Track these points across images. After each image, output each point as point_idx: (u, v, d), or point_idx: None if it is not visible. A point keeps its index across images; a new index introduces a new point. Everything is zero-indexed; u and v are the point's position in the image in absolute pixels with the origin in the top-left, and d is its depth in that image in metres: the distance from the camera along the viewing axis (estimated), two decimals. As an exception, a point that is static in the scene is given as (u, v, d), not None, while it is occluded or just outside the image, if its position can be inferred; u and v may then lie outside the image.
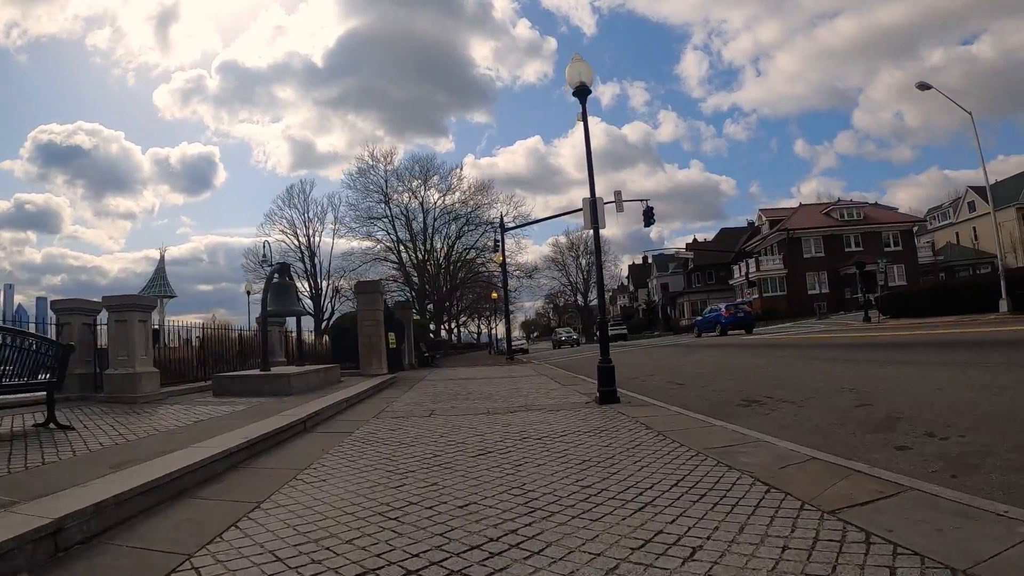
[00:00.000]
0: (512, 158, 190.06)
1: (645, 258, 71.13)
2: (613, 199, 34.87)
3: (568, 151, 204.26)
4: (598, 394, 11.01)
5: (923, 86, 36.15)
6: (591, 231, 12.22)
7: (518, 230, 63.70)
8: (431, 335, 53.45)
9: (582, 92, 11.94)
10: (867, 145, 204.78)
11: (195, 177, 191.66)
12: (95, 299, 14.11)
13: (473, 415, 10.20)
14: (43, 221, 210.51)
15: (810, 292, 72.30)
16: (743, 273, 76.88)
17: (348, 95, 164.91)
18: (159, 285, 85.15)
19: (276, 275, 16.43)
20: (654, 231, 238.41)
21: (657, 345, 41.64)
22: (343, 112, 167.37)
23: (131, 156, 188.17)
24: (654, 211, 35.84)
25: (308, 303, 72.22)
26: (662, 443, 6.88)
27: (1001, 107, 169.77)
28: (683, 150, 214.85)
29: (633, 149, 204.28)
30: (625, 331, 74.60)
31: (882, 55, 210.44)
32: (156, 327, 19.10)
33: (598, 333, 13.96)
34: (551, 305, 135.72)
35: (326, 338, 30.93)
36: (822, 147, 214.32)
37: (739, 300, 73.78)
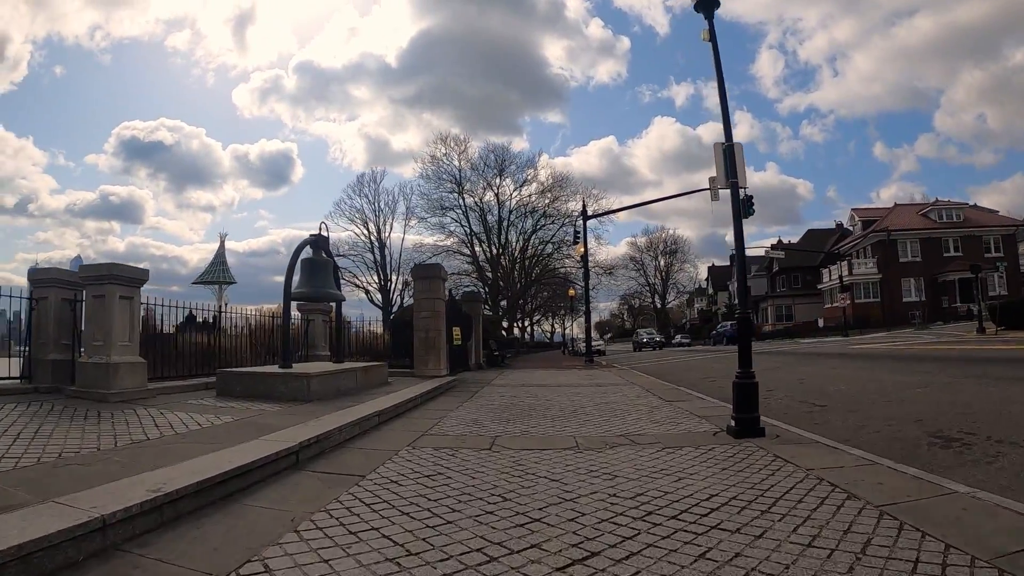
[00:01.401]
0: (586, 158, 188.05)
1: (732, 256, 66.40)
2: (708, 186, 31.23)
3: (642, 151, 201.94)
4: (733, 422, 7.76)
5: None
6: (728, 192, 8.88)
7: (599, 224, 60.28)
8: (503, 332, 50.36)
9: (707, 4, 8.80)
10: (948, 149, 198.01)
11: (273, 172, 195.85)
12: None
13: (554, 450, 6.94)
14: (127, 212, 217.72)
15: (905, 300, 66.65)
16: (834, 276, 71.12)
17: (423, 93, 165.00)
18: (218, 271, 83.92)
19: (310, 249, 13.27)
20: (728, 233, 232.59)
21: (756, 351, 36.92)
22: (418, 110, 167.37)
23: (212, 152, 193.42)
24: (751, 201, 31.96)
25: (377, 296, 70.68)
26: (900, 535, 3.83)
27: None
28: (759, 152, 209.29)
29: (708, 151, 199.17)
30: (688, 340, 69.68)
31: (962, 55, 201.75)
32: (190, 311, 16.28)
33: (730, 330, 10.47)
34: (626, 306, 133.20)
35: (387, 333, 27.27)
36: (901, 150, 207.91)
37: (828, 304, 70.34)
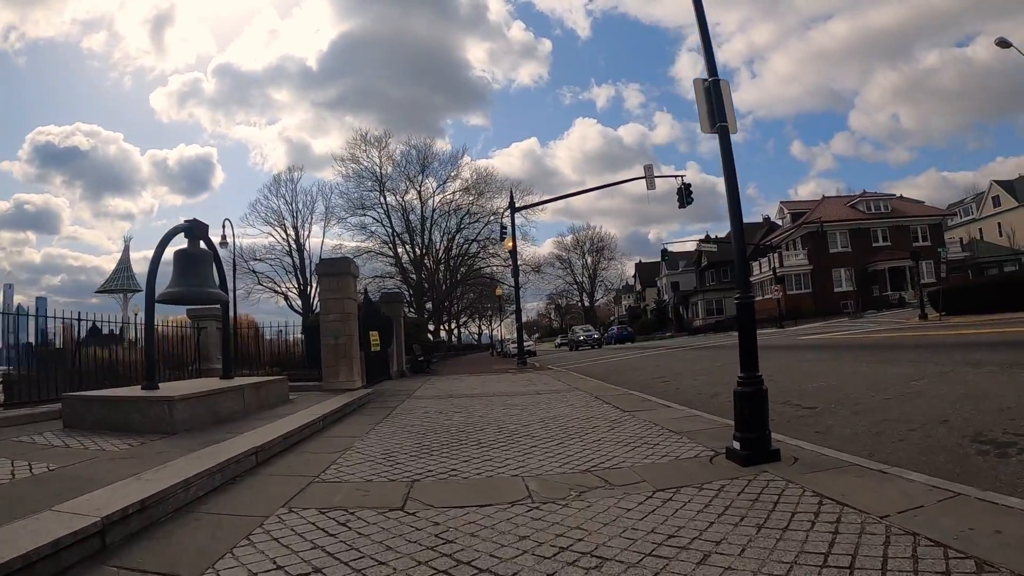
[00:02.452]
0: (509, 159, 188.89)
1: (664, 251, 65.23)
2: (644, 174, 30.13)
3: (564, 152, 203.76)
4: (736, 443, 5.79)
5: (1003, 43, 31.29)
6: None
7: (525, 222, 57.98)
8: (429, 335, 47.92)
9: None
10: (864, 147, 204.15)
11: (193, 178, 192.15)
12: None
13: (498, 506, 4.77)
14: (42, 222, 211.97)
15: (836, 290, 66.57)
16: (764, 269, 70.57)
17: (345, 97, 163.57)
18: (123, 279, 79.70)
19: (185, 237, 10.81)
20: (652, 231, 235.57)
21: (686, 346, 35.56)
22: (340, 114, 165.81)
23: (130, 157, 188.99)
24: (689, 189, 30.33)
25: (297, 301, 67.86)
26: None
27: (999, 108, 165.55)
28: (679, 152, 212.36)
29: (629, 151, 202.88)
30: (599, 337, 63.34)
31: (877, 57, 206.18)
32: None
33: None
34: (553, 305, 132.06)
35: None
36: (818, 148, 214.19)
37: (759, 297, 68.96)
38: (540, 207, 57.15)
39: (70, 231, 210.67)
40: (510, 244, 30.79)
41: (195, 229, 10.83)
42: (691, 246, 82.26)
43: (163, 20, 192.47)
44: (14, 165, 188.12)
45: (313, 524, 4.44)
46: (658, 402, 10.46)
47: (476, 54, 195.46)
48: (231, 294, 12.84)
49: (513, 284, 34.07)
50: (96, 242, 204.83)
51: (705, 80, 6.75)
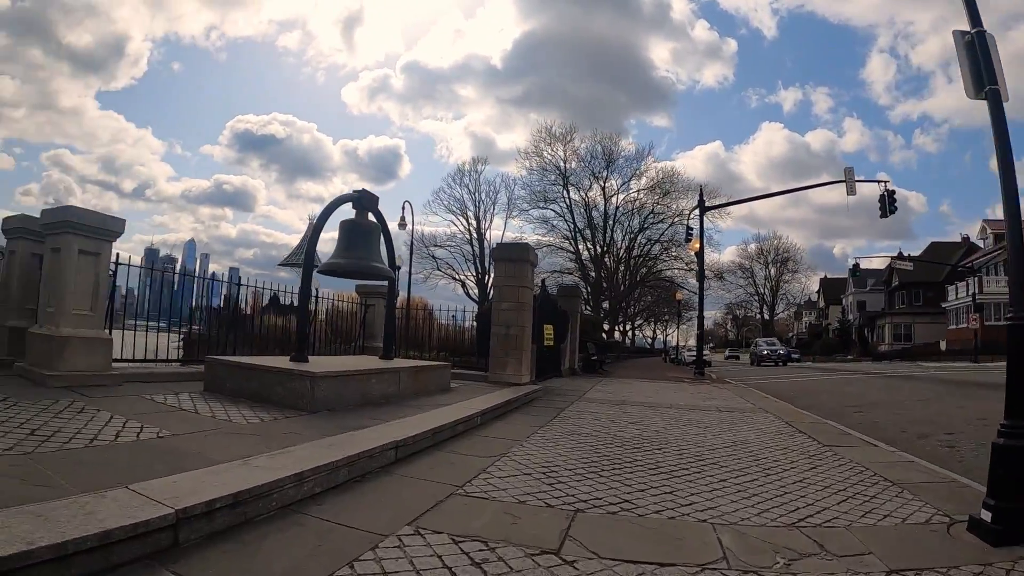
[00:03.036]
0: (692, 163, 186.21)
1: (855, 266, 60.88)
2: (844, 177, 28.20)
3: (749, 157, 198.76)
4: (987, 514, 4.27)
5: None
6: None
7: (710, 224, 54.63)
8: (603, 334, 46.61)
9: None
10: None
11: (381, 167, 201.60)
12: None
13: (687, 570, 3.56)
14: (239, 200, 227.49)
15: None
16: (962, 294, 63.50)
17: (529, 94, 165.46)
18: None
19: (353, 208, 10.18)
20: (837, 246, 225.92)
21: (872, 372, 31.90)
22: (525, 110, 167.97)
23: (322, 146, 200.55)
24: (894, 196, 27.85)
25: (474, 290, 67.77)
26: None
27: None
28: (870, 161, 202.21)
29: (816, 158, 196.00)
30: (786, 353, 53.79)
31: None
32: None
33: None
34: (730, 316, 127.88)
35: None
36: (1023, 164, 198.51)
37: (953, 326, 64.47)
38: (727, 209, 54.79)
39: (264, 210, 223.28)
40: (696, 246, 29.22)
41: (363, 200, 10.21)
42: (878, 263, 76.95)
43: (353, 21, 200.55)
44: (215, 149, 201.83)
45: (439, 558, 3.44)
46: (859, 437, 8.87)
47: (659, 53, 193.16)
48: (407, 276, 12.31)
49: (696, 289, 32.39)
50: (288, 221, 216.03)
51: (966, 33, 5.32)
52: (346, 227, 10.13)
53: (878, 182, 27.96)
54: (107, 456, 4.68)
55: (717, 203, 37.94)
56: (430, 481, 5.24)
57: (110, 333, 9.15)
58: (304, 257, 9.58)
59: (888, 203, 27.74)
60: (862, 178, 28.60)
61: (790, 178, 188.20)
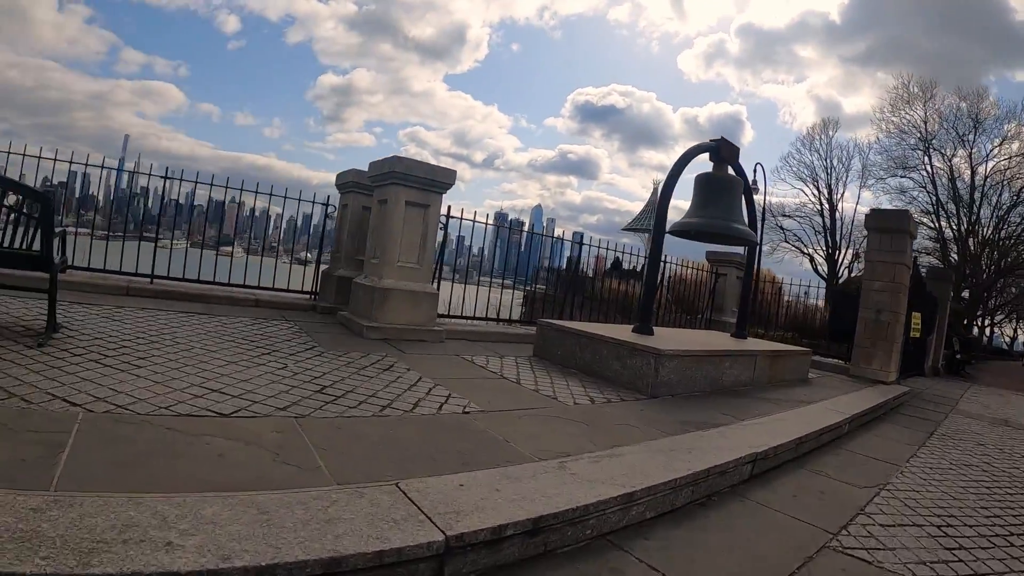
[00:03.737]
0: None
1: None
2: None
3: None
4: None
5: None
6: None
7: None
8: (963, 329, 41.50)
9: None
10: None
11: (723, 134, 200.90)
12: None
13: None
14: (583, 168, 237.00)
15: None
16: None
17: (874, 51, 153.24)
18: (649, 218, 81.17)
19: (710, 159, 8.92)
20: None
21: None
22: (871, 69, 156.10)
23: (662, 115, 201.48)
24: None
25: (822, 265, 62.26)
26: None
27: None
28: None
29: None
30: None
31: None
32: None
33: None
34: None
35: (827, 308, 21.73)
36: None
37: None
38: None
39: (607, 178, 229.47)
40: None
41: (722, 150, 8.85)
42: None
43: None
44: (558, 121, 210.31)
45: None
46: None
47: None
48: (757, 246, 10.71)
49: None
50: (630, 189, 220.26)
51: None
52: (702, 181, 8.81)
53: None
54: (394, 433, 3.92)
55: None
56: (794, 519, 3.94)
57: (438, 287, 8.80)
58: (655, 215, 8.40)
59: None
60: None
61: None
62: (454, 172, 7.99)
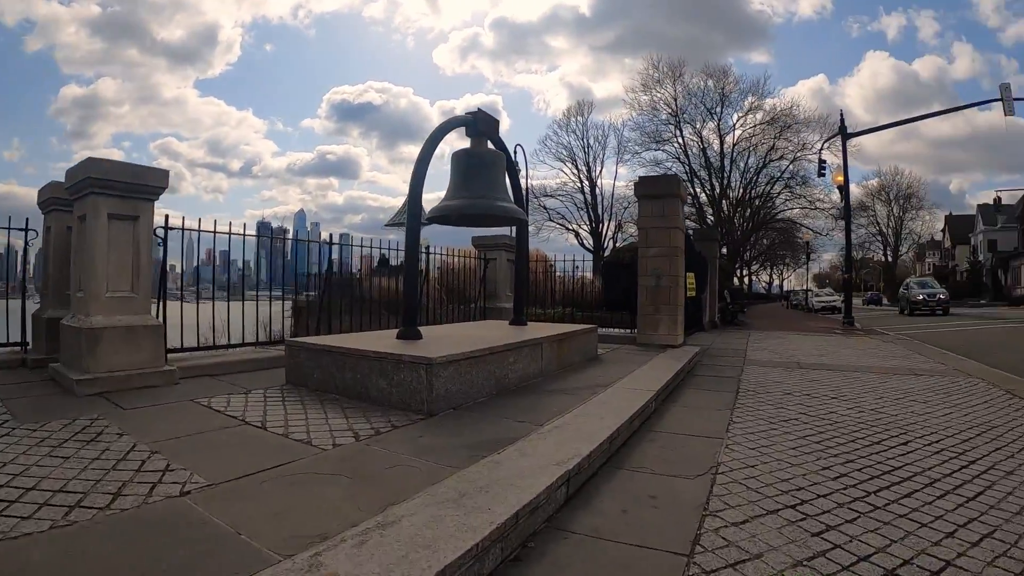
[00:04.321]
0: (795, 99, 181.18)
1: (997, 199, 56.44)
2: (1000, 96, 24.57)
3: (854, 90, 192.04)
4: None
5: None
6: None
7: (833, 158, 48.65)
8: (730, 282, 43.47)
9: None
10: None
11: None
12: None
13: None
14: (343, 168, 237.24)
15: None
16: None
17: (622, 39, 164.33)
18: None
19: (467, 135, 8.08)
20: (954, 182, 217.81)
21: None
22: (619, 56, 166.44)
23: (420, 109, 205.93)
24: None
25: (588, 239, 64.65)
26: None
27: None
28: (983, 89, 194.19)
29: (925, 88, 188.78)
30: (946, 298, 42.84)
31: None
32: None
33: None
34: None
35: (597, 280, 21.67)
36: None
37: None
38: (836, 145, 49.51)
39: (369, 176, 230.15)
40: (840, 178, 25.98)
41: (479, 123, 7.98)
42: (1008, 198, 70.46)
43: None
44: (315, 122, 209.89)
45: None
46: None
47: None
48: (526, 224, 9.90)
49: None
50: (392, 185, 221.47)
51: None
52: (460, 159, 7.86)
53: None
54: (75, 552, 2.69)
55: (864, 130, 32.85)
56: (636, 548, 3.11)
57: (161, 317, 7.21)
58: (407, 202, 7.30)
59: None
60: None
61: (899, 109, 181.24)
62: (166, 172, 6.46)
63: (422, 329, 7.32)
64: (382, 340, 6.68)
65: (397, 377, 5.54)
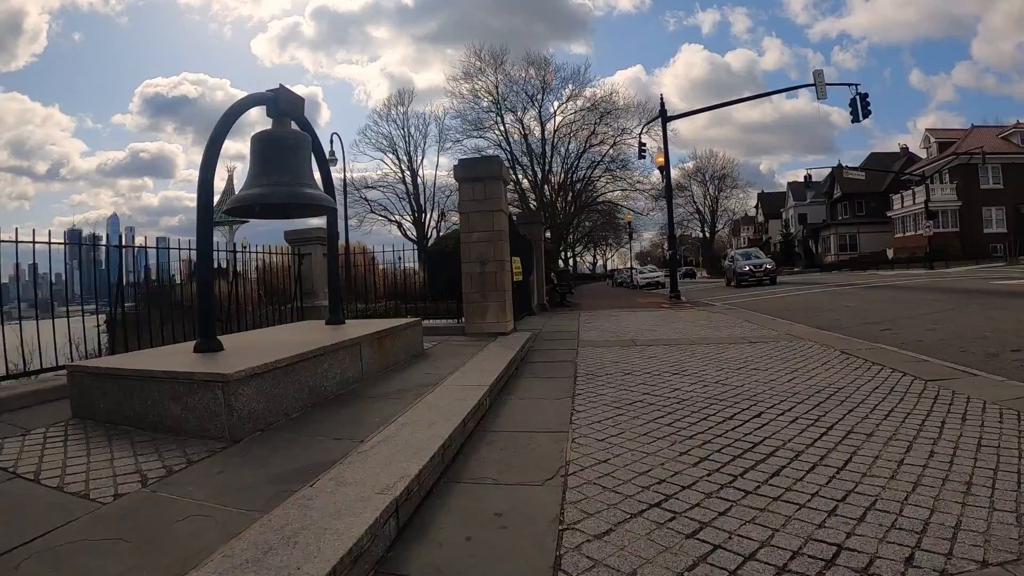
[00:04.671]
0: (614, 88, 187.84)
1: (808, 177, 59.79)
2: (812, 81, 26.01)
3: (670, 80, 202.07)
4: None
5: None
6: None
7: (651, 141, 50.14)
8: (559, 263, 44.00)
9: None
10: (987, 78, 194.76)
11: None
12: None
13: None
14: (158, 167, 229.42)
15: (986, 231, 58.54)
16: (907, 203, 63.28)
17: (445, 29, 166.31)
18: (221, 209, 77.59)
19: (268, 115, 7.10)
20: (764, 163, 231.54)
21: (845, 284, 30.01)
22: (441, 46, 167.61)
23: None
24: (866, 99, 25.54)
25: (411, 229, 64.63)
26: None
27: None
28: (790, 79, 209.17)
29: (737, 78, 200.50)
30: (773, 267, 46.06)
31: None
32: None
33: None
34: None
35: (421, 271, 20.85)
36: (939, 79, 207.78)
37: (899, 234, 65.03)
38: (655, 129, 51.20)
39: (185, 175, 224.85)
40: (661, 159, 26.74)
41: (281, 101, 7.01)
42: (816, 175, 75.43)
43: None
44: (126, 118, 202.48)
45: None
46: (943, 365, 7.11)
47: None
48: (343, 219, 9.07)
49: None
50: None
51: None
52: (260, 142, 6.83)
53: (849, 84, 25.96)
54: None
55: (682, 112, 33.96)
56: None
57: None
58: (198, 193, 6.10)
59: (861, 106, 25.74)
60: (833, 82, 26.92)
61: (713, 97, 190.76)
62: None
63: (228, 338, 6.52)
64: (176, 355, 5.70)
65: (191, 400, 4.60)
